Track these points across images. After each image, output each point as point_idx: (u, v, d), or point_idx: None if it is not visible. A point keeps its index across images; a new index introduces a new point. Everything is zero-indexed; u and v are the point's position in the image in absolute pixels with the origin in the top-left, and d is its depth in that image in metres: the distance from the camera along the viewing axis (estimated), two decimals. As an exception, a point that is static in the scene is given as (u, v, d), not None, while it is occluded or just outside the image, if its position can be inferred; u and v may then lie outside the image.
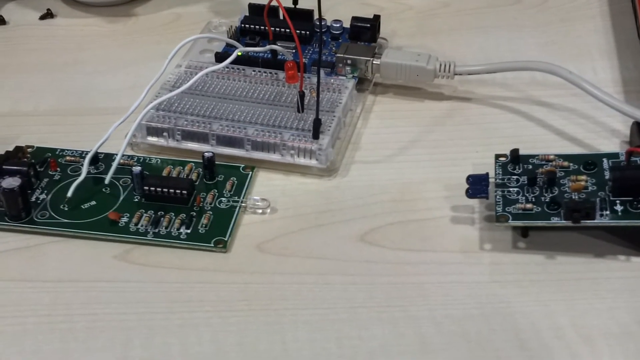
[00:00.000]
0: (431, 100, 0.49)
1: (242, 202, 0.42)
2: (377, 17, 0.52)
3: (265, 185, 0.44)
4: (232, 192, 0.43)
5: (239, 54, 0.48)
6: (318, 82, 0.43)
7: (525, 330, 0.36)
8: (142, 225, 0.41)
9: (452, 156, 0.45)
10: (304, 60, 0.49)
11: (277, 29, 0.51)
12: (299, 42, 0.44)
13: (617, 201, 0.37)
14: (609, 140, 0.45)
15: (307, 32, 0.51)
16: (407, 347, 0.36)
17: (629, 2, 0.53)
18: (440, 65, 0.48)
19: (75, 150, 0.45)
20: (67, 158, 0.45)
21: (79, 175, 0.43)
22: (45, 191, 0.43)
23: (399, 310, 0.37)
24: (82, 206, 0.42)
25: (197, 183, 0.43)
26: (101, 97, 0.51)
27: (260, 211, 0.42)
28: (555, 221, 0.37)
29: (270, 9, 0.50)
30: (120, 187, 0.43)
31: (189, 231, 0.41)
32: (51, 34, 0.57)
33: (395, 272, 0.39)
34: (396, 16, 0.57)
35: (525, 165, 0.41)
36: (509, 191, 0.39)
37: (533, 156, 0.41)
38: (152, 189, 0.42)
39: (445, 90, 0.50)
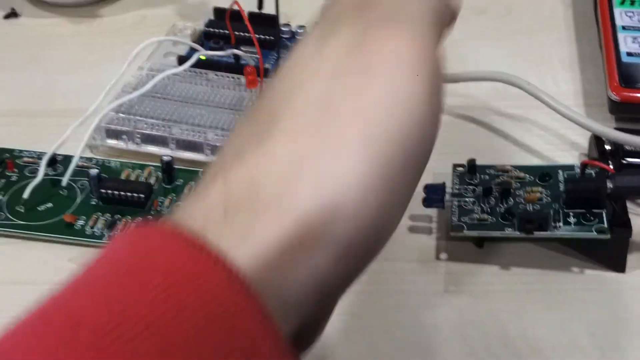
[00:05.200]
0: (394, 108, 0.49)
1: (199, 207, 0.42)
2: (341, 24, 0.52)
3: (224, 190, 0.44)
4: (190, 197, 0.42)
5: (202, 57, 0.48)
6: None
7: (476, 340, 0.36)
8: (98, 229, 0.41)
9: (412, 165, 0.45)
10: (267, 65, 0.49)
11: (242, 34, 0.51)
12: (259, 47, 0.44)
13: (571, 213, 0.38)
14: (568, 153, 0.45)
15: (271, 38, 0.51)
16: (359, 356, 0.36)
17: (593, 15, 0.54)
18: (403, 73, 0.48)
19: (34, 152, 0.45)
20: (25, 159, 0.45)
21: (36, 176, 0.42)
22: (2, 192, 0.43)
23: (352, 318, 0.37)
24: (38, 208, 0.42)
25: (155, 187, 0.43)
26: (62, 97, 0.50)
27: (218, 216, 0.42)
28: (509, 232, 0.38)
29: (237, 13, 0.50)
30: (78, 190, 0.43)
31: (145, 235, 0.40)
32: (14, 33, 0.57)
33: (350, 280, 0.39)
34: (363, 23, 0.57)
35: (482, 176, 0.41)
36: (465, 201, 0.40)
37: (490, 167, 0.41)
38: (109, 192, 0.41)
39: (408, 98, 0.50)
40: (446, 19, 0.27)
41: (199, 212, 0.22)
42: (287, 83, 0.25)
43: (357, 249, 0.23)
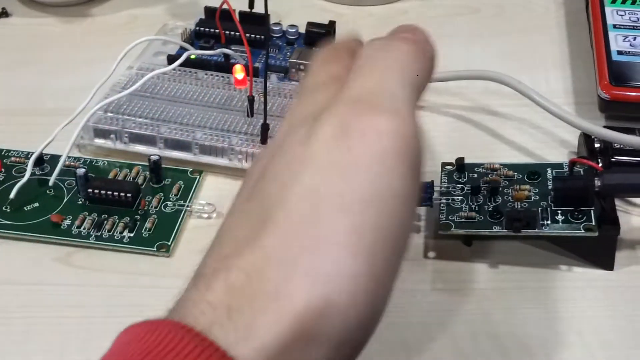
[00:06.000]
0: (384, 107, 0.49)
1: (187, 206, 0.42)
2: (332, 23, 0.52)
3: (212, 189, 0.44)
4: (178, 196, 0.42)
5: (192, 57, 0.48)
6: (265, 86, 0.43)
7: (464, 338, 0.36)
8: (84, 228, 0.40)
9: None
10: (257, 64, 0.49)
11: (232, 33, 0.51)
12: (248, 47, 0.44)
13: (559, 211, 0.37)
14: (557, 151, 0.45)
15: (262, 37, 0.51)
16: (345, 354, 0.35)
17: (584, 14, 0.54)
18: (393, 72, 0.48)
19: (21, 151, 0.45)
20: (13, 159, 0.44)
21: (23, 176, 0.42)
22: (-11, 192, 0.42)
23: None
24: (25, 208, 0.42)
25: (143, 186, 0.43)
26: (51, 97, 0.50)
27: (206, 216, 0.42)
28: (497, 230, 0.38)
29: (227, 12, 0.49)
30: (65, 189, 0.43)
31: (132, 235, 0.40)
32: (5, 32, 0.56)
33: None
34: (355, 23, 0.57)
35: (471, 174, 0.41)
36: (454, 199, 0.39)
37: (479, 165, 0.41)
38: (96, 191, 0.41)
39: (398, 97, 0.50)
40: (424, 82, 0.28)
41: (205, 309, 0.23)
42: (278, 172, 0.26)
43: (348, 342, 0.24)
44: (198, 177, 0.43)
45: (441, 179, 0.41)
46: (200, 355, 0.22)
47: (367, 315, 0.24)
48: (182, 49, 0.50)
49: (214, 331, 0.23)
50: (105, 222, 0.41)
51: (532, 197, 0.39)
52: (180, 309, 0.24)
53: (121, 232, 0.40)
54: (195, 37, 0.52)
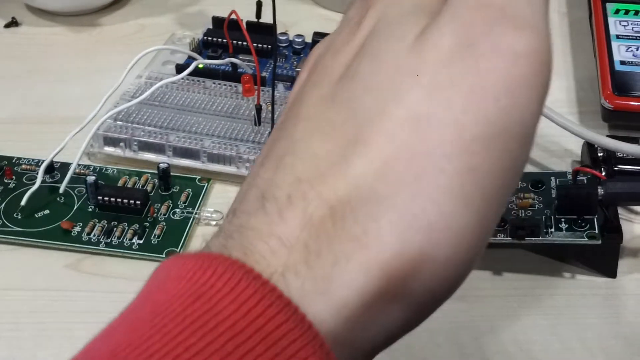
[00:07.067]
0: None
1: (195, 213, 0.42)
2: (338, 33, 0.52)
3: (220, 197, 0.44)
4: (186, 204, 0.43)
5: (200, 66, 0.48)
6: (272, 95, 0.44)
7: (469, 345, 0.36)
8: (94, 235, 0.41)
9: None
10: (264, 73, 0.50)
11: (240, 43, 0.51)
12: (256, 56, 0.45)
13: (562, 219, 0.38)
14: (561, 160, 0.46)
15: (269, 46, 0.51)
16: (351, 360, 0.36)
17: (588, 24, 0.54)
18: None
19: (32, 159, 0.45)
20: (23, 167, 0.45)
21: (34, 183, 0.43)
22: (0, 199, 0.43)
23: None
24: (36, 215, 0.42)
25: (152, 194, 0.43)
26: (62, 106, 0.51)
27: (214, 223, 0.42)
28: (501, 238, 0.38)
29: (235, 22, 0.50)
30: (75, 197, 0.43)
31: (141, 242, 0.41)
32: (15, 42, 0.57)
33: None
34: (360, 32, 0.57)
35: (475, 183, 0.41)
36: (458, 208, 0.40)
37: (483, 173, 0.42)
38: (106, 198, 0.42)
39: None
40: None
41: (276, 248, 0.19)
42: (378, 82, 0.21)
43: (431, 303, 0.21)
44: (206, 184, 0.44)
45: (446, 188, 0.41)
46: (266, 310, 0.18)
47: (460, 275, 0.20)
48: (191, 59, 0.51)
49: (288, 279, 0.19)
50: (115, 229, 0.41)
51: (536, 206, 0.39)
52: (239, 239, 0.20)
53: (130, 239, 0.41)
54: (204, 47, 0.53)
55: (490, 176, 0.20)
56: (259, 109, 0.45)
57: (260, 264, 0.19)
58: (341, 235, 0.19)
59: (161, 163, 0.43)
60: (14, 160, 0.45)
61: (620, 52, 0.49)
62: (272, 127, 0.44)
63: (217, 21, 0.53)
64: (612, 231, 0.38)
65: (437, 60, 0.20)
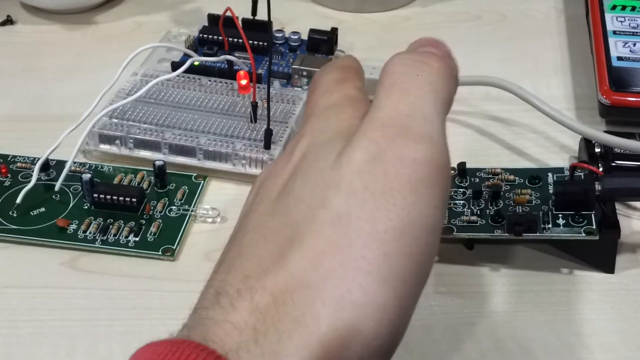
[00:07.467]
0: (386, 112, 0.50)
1: (192, 211, 0.42)
2: (334, 30, 0.52)
3: (216, 194, 0.44)
4: (182, 201, 0.43)
5: (196, 63, 0.48)
6: (268, 93, 0.44)
7: (466, 341, 0.36)
8: (90, 233, 0.41)
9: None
10: (260, 71, 0.49)
11: (236, 40, 0.51)
12: (251, 53, 0.45)
13: (560, 215, 0.38)
14: (558, 155, 0.46)
15: (265, 43, 0.51)
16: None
17: (584, 20, 0.54)
18: (395, 78, 0.48)
19: (27, 157, 0.45)
20: (19, 164, 0.45)
21: (30, 181, 0.43)
22: (-5, 197, 0.43)
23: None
24: (31, 213, 0.42)
25: (148, 191, 0.43)
26: (57, 103, 0.51)
27: (210, 220, 0.42)
28: (499, 234, 0.38)
29: (230, 20, 0.50)
30: (71, 194, 0.43)
31: (137, 239, 0.41)
32: (10, 40, 0.57)
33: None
34: (357, 29, 0.57)
35: (472, 179, 0.41)
36: (455, 203, 0.40)
37: (480, 169, 0.41)
38: (102, 196, 0.42)
39: (400, 103, 0.50)
40: (452, 102, 0.27)
41: (230, 331, 0.23)
42: (307, 193, 0.25)
43: None
44: (202, 182, 0.44)
45: (443, 184, 0.41)
46: None
47: (390, 344, 0.24)
48: (186, 56, 0.50)
49: (241, 356, 0.22)
50: (111, 226, 0.41)
51: (533, 201, 0.39)
52: (200, 328, 0.23)
53: (126, 237, 0.41)
54: (199, 44, 0.52)
55: (403, 260, 0.23)
56: (254, 106, 0.45)
57: (217, 344, 0.23)
58: (283, 317, 0.23)
59: (157, 160, 0.43)
60: (9, 158, 0.45)
61: (617, 47, 0.49)
62: (268, 124, 0.44)
63: (213, 18, 0.53)
64: (610, 227, 0.38)
65: (353, 171, 0.24)
